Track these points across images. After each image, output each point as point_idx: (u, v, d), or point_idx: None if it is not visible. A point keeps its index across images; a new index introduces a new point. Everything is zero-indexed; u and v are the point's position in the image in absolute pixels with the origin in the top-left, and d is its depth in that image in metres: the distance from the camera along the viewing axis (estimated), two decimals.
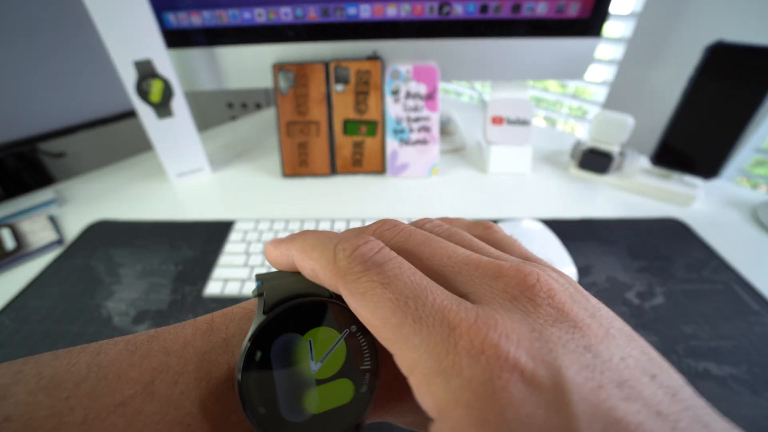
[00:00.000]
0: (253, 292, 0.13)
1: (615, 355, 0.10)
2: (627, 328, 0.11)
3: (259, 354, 0.12)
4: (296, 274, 0.14)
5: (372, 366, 0.13)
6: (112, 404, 0.11)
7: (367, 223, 0.17)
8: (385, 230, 0.14)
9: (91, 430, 0.11)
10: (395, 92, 0.52)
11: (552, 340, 0.10)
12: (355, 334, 0.13)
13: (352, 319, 0.13)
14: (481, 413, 0.09)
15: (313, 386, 0.12)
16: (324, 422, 0.12)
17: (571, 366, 0.09)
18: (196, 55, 0.54)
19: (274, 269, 0.15)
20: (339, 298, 0.13)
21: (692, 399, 0.09)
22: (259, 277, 0.14)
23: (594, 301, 0.12)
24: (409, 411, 0.14)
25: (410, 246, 0.13)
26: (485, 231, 0.16)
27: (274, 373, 0.12)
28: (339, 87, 0.53)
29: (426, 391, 0.10)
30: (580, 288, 0.12)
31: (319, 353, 0.12)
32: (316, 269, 0.13)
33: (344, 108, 0.54)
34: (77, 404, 0.11)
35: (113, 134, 0.69)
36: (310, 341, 0.12)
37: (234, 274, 0.40)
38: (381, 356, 0.13)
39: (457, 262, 0.12)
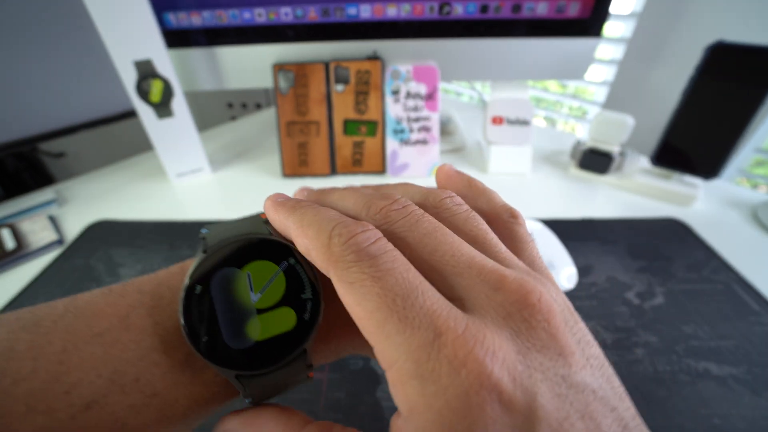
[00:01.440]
0: (199, 237, 0.14)
1: (587, 387, 0.10)
2: (601, 356, 0.11)
3: (199, 288, 0.13)
4: (240, 219, 0.15)
5: (313, 296, 0.14)
6: (90, 335, 0.12)
7: (385, 184, 0.17)
8: (392, 210, 0.13)
9: (70, 357, 0.11)
10: (395, 92, 0.52)
11: (534, 366, 0.10)
12: (294, 266, 0.14)
13: (291, 252, 0.14)
14: (450, 423, 0.09)
15: (255, 315, 0.13)
16: (268, 348, 0.13)
17: (545, 394, 0.09)
18: (196, 55, 0.54)
19: None
20: (275, 233, 0.14)
21: (640, 428, 0.10)
22: (206, 226, 0.15)
23: (581, 326, 0.12)
24: (361, 345, 0.15)
25: (414, 235, 0.13)
26: (508, 220, 0.15)
27: (215, 305, 0.13)
28: (339, 87, 0.53)
29: (400, 389, 0.10)
30: (573, 310, 0.12)
31: (258, 284, 0.13)
32: (309, 249, 0.12)
33: (344, 108, 0.54)
34: (56, 338, 0.12)
35: (113, 134, 0.69)
36: (248, 274, 0.13)
37: None
38: (322, 286, 0.14)
39: (459, 262, 0.12)
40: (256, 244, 0.14)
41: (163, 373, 0.12)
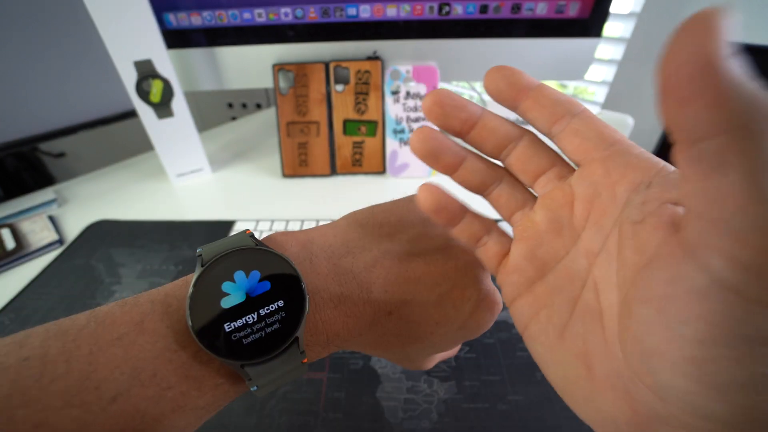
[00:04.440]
0: (196, 255, 0.17)
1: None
2: None
3: (201, 294, 0.15)
4: (229, 237, 0.17)
5: (299, 290, 0.16)
6: (111, 339, 0.14)
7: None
8: None
9: (97, 358, 0.13)
10: (395, 92, 0.52)
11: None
12: (280, 267, 0.16)
13: (276, 257, 0.16)
14: None
15: (251, 311, 0.15)
16: (266, 339, 0.15)
17: None
18: (196, 55, 0.54)
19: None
20: (260, 244, 0.17)
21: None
22: (201, 247, 0.17)
23: None
24: (347, 340, 0.18)
25: None
26: None
27: (217, 308, 0.15)
28: (339, 87, 0.53)
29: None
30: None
31: (251, 285, 0.16)
32: None
33: (344, 108, 0.54)
34: (83, 343, 0.13)
35: (113, 134, 0.69)
36: (242, 277, 0.16)
37: None
38: (306, 285, 0.16)
39: None
40: (245, 253, 0.16)
41: (175, 368, 0.14)
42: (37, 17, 0.54)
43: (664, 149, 0.50)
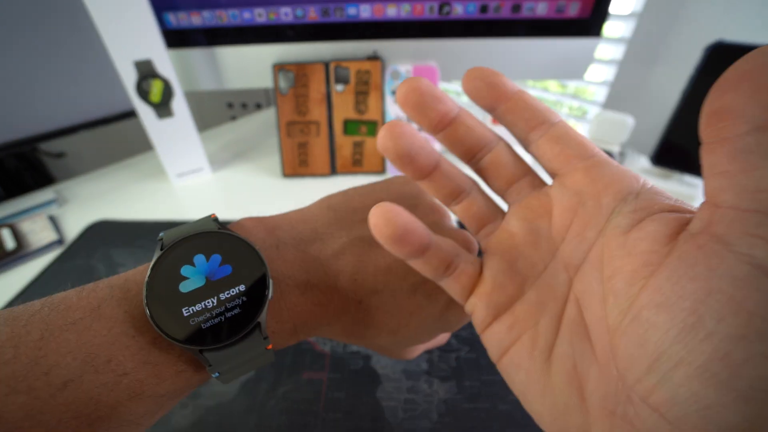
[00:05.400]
0: (157, 239, 0.16)
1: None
2: None
3: (159, 278, 0.15)
4: (193, 221, 0.17)
5: (261, 274, 0.16)
6: (64, 324, 0.13)
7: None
8: None
9: (48, 344, 0.13)
10: (395, 92, 0.52)
11: None
12: (243, 251, 0.16)
13: (239, 240, 0.16)
14: None
15: (212, 296, 0.15)
16: (226, 324, 0.15)
17: None
18: (196, 55, 0.54)
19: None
20: (223, 227, 0.16)
21: None
22: (163, 231, 0.17)
23: None
24: (317, 327, 0.18)
25: None
26: None
27: (175, 292, 0.15)
28: (339, 87, 0.53)
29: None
30: None
31: (212, 270, 0.15)
32: None
33: (344, 108, 0.54)
34: (33, 328, 0.13)
35: (113, 134, 0.69)
36: (203, 262, 0.15)
37: None
38: (269, 267, 0.16)
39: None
40: (206, 237, 0.16)
41: (132, 354, 0.14)
42: (37, 17, 0.54)
43: (664, 149, 0.50)
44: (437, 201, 0.19)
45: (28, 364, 0.12)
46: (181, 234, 0.16)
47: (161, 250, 0.15)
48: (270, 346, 0.16)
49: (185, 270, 0.15)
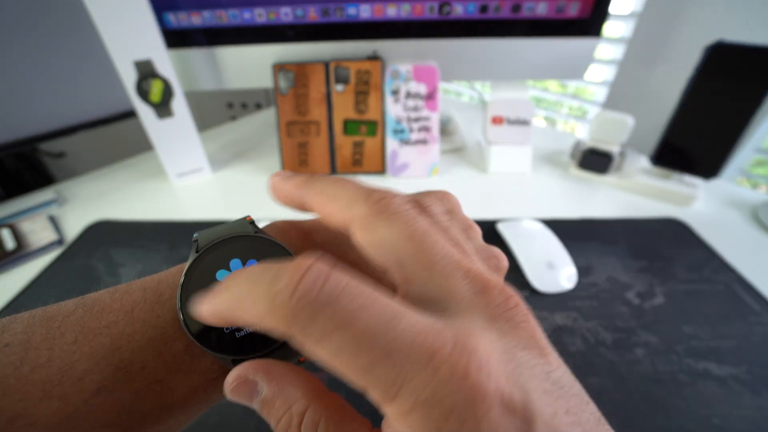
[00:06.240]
0: (192, 240, 0.16)
1: (566, 384, 0.11)
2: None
3: (194, 282, 0.14)
4: (228, 222, 0.16)
5: None
6: (99, 327, 0.13)
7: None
8: (393, 203, 0.13)
9: (82, 347, 0.12)
10: (395, 92, 0.52)
11: (523, 364, 0.10)
12: (279, 258, 0.15)
13: (276, 245, 0.15)
14: None
15: None
16: (261, 334, 0.14)
17: (536, 390, 0.10)
18: (196, 55, 0.54)
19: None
20: (260, 231, 0.16)
21: (607, 426, 0.11)
22: (198, 231, 0.16)
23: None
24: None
25: (411, 231, 0.12)
26: (467, 231, 0.15)
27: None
28: (339, 87, 0.53)
29: (404, 422, 0.09)
30: None
31: None
32: (256, 323, 0.10)
33: (344, 108, 0.54)
34: (68, 330, 0.13)
35: (113, 134, 0.69)
36: (239, 265, 0.15)
37: None
38: None
39: (449, 263, 0.12)
40: (243, 241, 0.15)
41: (165, 361, 0.13)
42: (37, 17, 0.54)
43: (664, 149, 0.50)
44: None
45: (63, 368, 0.12)
46: (217, 236, 0.15)
47: (196, 252, 0.15)
48: (303, 359, 0.15)
49: (221, 275, 0.14)
